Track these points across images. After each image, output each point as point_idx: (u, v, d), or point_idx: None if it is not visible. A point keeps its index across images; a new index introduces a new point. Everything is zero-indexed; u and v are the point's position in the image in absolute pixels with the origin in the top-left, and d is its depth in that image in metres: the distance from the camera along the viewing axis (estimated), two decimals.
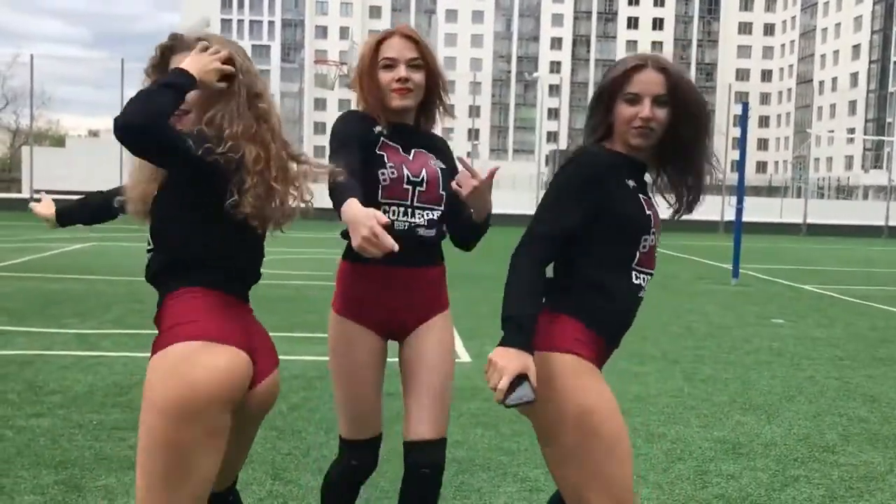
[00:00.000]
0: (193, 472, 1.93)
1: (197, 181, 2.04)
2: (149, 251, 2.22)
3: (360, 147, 2.37)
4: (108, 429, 4.43)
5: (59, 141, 55.11)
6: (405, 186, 2.44)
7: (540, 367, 1.99)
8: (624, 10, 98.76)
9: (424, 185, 2.47)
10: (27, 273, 11.29)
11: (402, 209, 2.44)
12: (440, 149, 2.63)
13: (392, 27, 2.56)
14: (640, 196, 2.16)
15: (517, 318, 1.97)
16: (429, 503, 2.56)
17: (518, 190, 37.33)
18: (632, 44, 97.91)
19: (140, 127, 1.87)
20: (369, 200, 2.35)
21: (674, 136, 2.15)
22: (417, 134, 2.57)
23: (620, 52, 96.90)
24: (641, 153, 2.20)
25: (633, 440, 4.49)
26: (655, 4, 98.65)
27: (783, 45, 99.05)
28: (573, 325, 2.10)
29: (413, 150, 2.52)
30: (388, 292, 2.47)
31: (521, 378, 1.90)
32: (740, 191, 13.20)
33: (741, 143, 13.17)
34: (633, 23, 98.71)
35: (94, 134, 62.38)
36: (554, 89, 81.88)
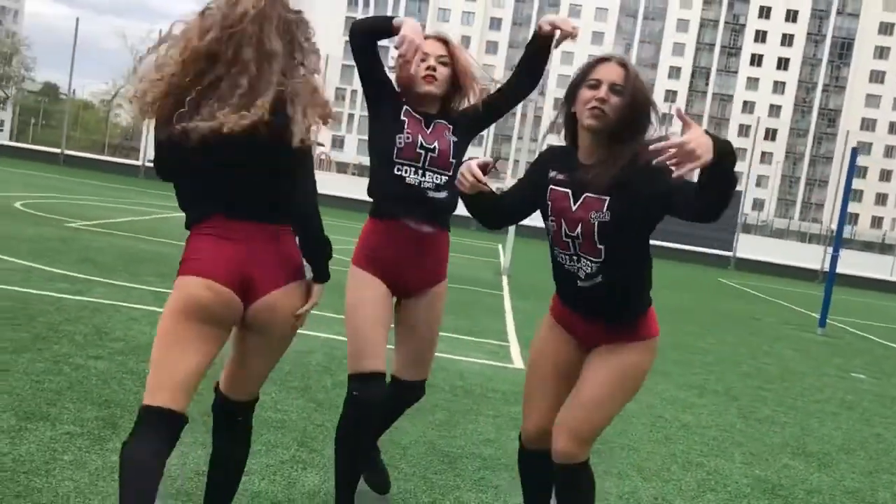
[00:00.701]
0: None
1: None
2: None
3: (383, 94, 2.89)
4: None
5: None
6: (418, 150, 2.84)
7: None
8: (749, 46, 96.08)
9: (437, 152, 2.87)
10: (124, 232, 11.85)
11: (413, 169, 2.84)
12: (457, 120, 2.96)
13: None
14: (552, 186, 2.51)
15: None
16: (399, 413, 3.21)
17: None
18: (753, 81, 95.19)
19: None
20: (385, 158, 2.80)
21: (627, 125, 2.44)
22: (439, 116, 2.95)
23: (740, 88, 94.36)
24: (593, 150, 2.44)
25: (668, 466, 4.42)
26: (783, 43, 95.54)
27: None
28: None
29: (433, 123, 2.90)
30: (398, 246, 2.84)
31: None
32: (837, 239, 12.69)
33: (846, 189, 12.61)
34: (756, 60, 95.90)
35: None
36: (666, 118, 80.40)
